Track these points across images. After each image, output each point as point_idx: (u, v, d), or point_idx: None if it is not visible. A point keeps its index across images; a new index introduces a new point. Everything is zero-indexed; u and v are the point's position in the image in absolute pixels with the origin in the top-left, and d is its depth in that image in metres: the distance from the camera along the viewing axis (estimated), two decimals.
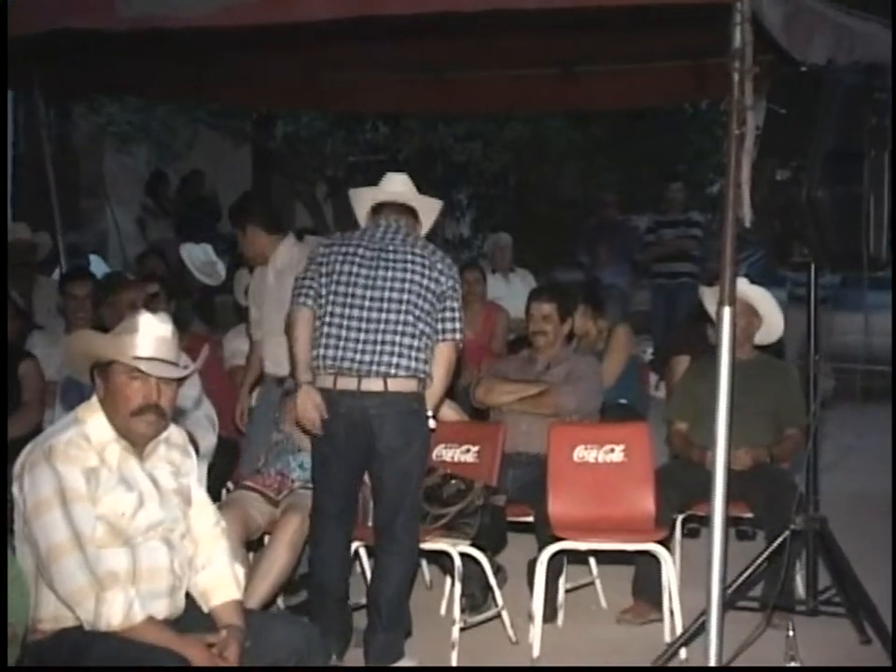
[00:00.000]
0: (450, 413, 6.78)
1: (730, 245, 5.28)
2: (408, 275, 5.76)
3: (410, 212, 6.02)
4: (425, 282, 5.76)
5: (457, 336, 5.83)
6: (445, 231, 18.09)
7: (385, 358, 5.65)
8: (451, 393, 7.13)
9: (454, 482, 6.28)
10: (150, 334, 4.23)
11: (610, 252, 13.77)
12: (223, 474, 6.85)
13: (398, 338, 5.67)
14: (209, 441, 6.69)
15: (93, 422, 4.24)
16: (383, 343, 5.67)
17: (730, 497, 5.29)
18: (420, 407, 5.77)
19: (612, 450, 6.47)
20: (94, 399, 4.30)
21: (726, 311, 5.26)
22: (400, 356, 5.66)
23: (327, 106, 13.04)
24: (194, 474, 4.50)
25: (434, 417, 5.88)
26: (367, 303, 5.74)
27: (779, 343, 7.23)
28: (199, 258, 12.07)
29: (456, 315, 5.83)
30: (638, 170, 17.89)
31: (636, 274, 14.30)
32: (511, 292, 11.06)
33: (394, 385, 5.66)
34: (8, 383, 6.76)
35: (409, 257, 5.81)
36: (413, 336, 5.69)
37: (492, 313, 9.99)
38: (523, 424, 6.94)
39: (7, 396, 5.62)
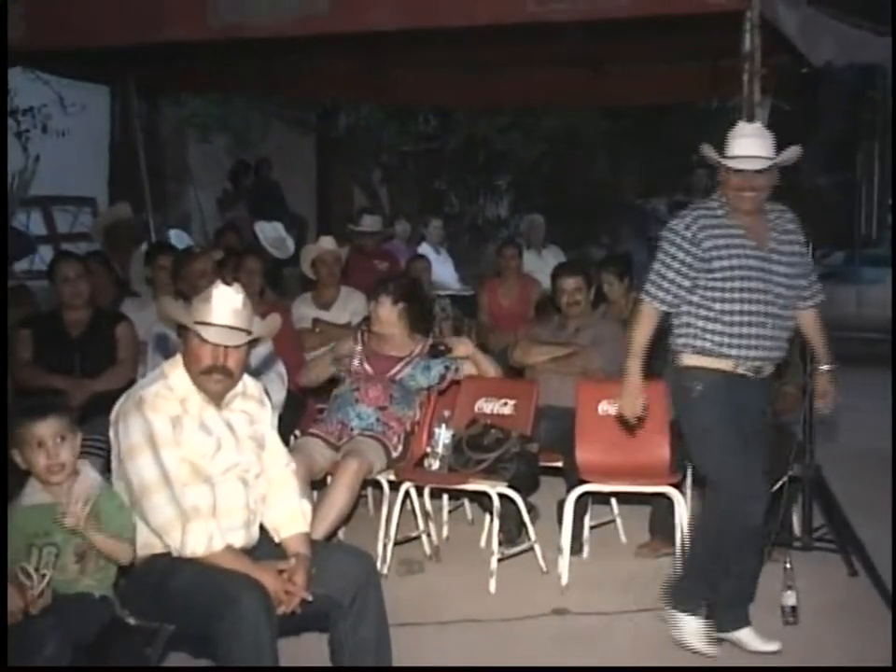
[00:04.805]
0: (490, 370, 6.80)
1: None
2: None
3: None
4: None
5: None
6: (486, 212, 18.13)
7: None
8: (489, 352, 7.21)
9: (493, 431, 6.34)
10: (220, 303, 4.21)
11: (629, 232, 13.72)
12: (291, 424, 6.89)
13: None
14: (280, 394, 6.75)
15: (175, 375, 4.28)
16: None
17: None
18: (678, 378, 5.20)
19: None
20: (179, 356, 4.34)
21: None
22: None
23: (384, 100, 13.04)
24: (268, 422, 4.53)
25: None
26: None
27: None
28: (270, 234, 12.14)
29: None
30: (660, 159, 17.79)
31: (650, 252, 14.20)
32: (544, 266, 11.07)
33: None
34: (105, 343, 6.86)
35: None
36: None
37: (527, 284, 10.00)
38: (554, 381, 6.92)
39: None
